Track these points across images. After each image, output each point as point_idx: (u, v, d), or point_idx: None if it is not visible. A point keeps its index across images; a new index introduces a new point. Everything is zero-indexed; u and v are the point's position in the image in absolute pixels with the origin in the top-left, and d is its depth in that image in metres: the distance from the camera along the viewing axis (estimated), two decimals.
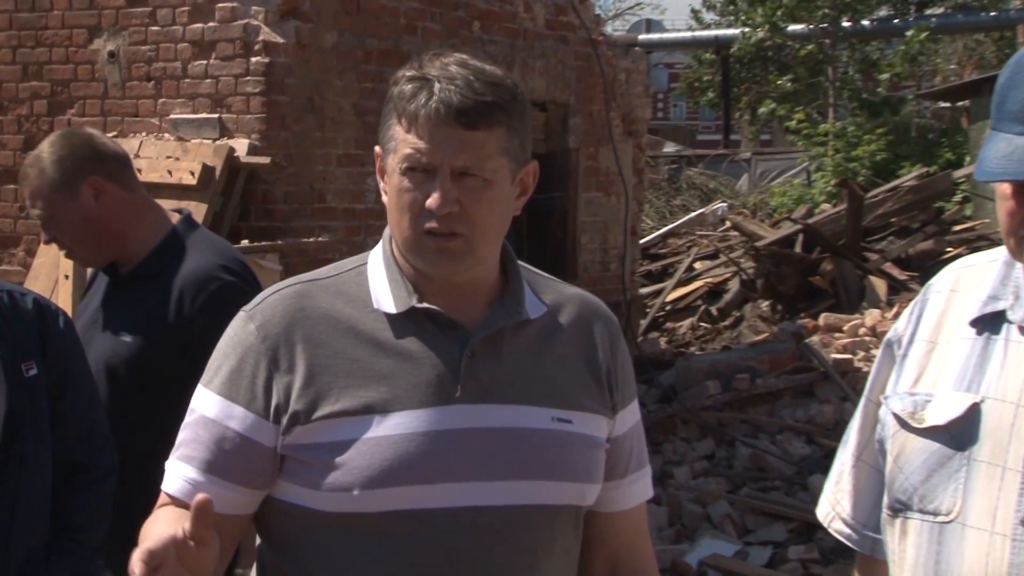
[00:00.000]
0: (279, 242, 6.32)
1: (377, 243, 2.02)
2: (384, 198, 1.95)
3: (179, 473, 1.94)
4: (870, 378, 1.93)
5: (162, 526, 1.84)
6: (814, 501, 7.75)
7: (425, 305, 1.92)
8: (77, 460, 2.87)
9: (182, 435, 1.96)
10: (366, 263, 2.00)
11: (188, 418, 1.96)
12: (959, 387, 1.76)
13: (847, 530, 1.94)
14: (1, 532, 2.71)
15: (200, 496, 1.68)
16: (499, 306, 1.96)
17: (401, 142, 1.87)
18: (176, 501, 1.94)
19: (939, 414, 1.76)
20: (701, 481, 7.76)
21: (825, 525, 1.97)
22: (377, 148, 1.96)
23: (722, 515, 7.21)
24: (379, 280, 1.96)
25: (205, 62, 6.75)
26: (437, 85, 1.85)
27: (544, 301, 2.02)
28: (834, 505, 1.97)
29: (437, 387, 1.89)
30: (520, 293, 1.98)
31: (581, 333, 2.03)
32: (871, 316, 9.70)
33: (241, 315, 1.97)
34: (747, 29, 21.62)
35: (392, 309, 1.93)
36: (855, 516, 1.94)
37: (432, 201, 1.85)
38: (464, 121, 1.85)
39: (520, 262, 2.04)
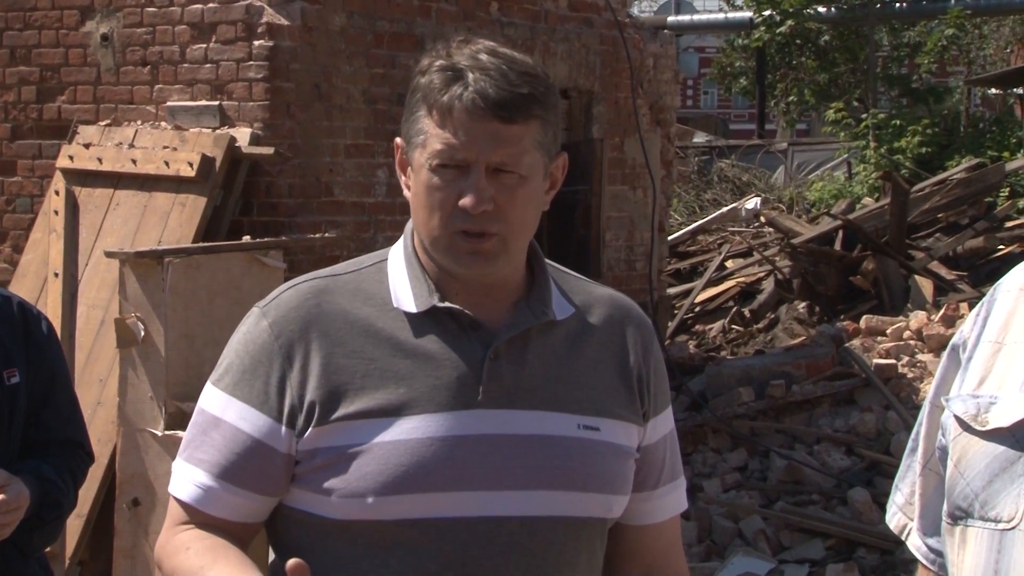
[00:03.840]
0: (283, 238, 6.35)
1: (391, 238, 2.06)
2: (406, 193, 1.98)
3: (189, 477, 1.97)
4: (934, 382, 1.95)
5: (211, 567, 1.89)
6: (854, 516, 7.78)
7: (447, 304, 1.95)
8: (69, 441, 2.97)
9: (190, 434, 1.99)
10: (386, 259, 2.03)
11: (196, 416, 1.99)
12: None
13: (919, 542, 1.96)
14: None
15: (293, 562, 1.73)
16: (524, 306, 1.99)
17: (431, 136, 1.89)
18: (189, 509, 1.97)
19: (1004, 416, 1.77)
20: (733, 495, 7.78)
21: (901, 538, 1.98)
22: (399, 140, 1.98)
23: (755, 531, 7.23)
24: (400, 278, 1.99)
25: (205, 46, 6.79)
26: (471, 75, 1.88)
27: (572, 302, 2.04)
28: (911, 515, 1.97)
29: (457, 390, 1.92)
30: (547, 293, 2.01)
31: (611, 336, 2.05)
32: (916, 318, 9.70)
33: (255, 311, 2.00)
34: (768, 13, 21.56)
35: (412, 308, 1.96)
36: (923, 527, 1.95)
37: (467, 200, 1.88)
38: (501, 115, 1.88)
39: (548, 260, 2.06)
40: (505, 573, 1.91)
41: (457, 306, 1.95)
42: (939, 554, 1.92)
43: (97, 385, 6.20)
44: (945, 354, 1.94)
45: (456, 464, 1.89)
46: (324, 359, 1.92)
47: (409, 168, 1.96)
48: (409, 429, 1.89)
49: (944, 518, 1.85)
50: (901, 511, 1.99)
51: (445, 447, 1.89)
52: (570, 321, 2.02)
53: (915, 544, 1.96)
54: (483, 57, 1.90)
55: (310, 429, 1.91)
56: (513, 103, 1.88)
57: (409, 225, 2.02)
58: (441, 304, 1.95)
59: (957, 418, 1.82)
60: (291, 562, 1.74)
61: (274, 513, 1.99)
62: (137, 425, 5.53)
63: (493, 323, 1.96)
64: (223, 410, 1.95)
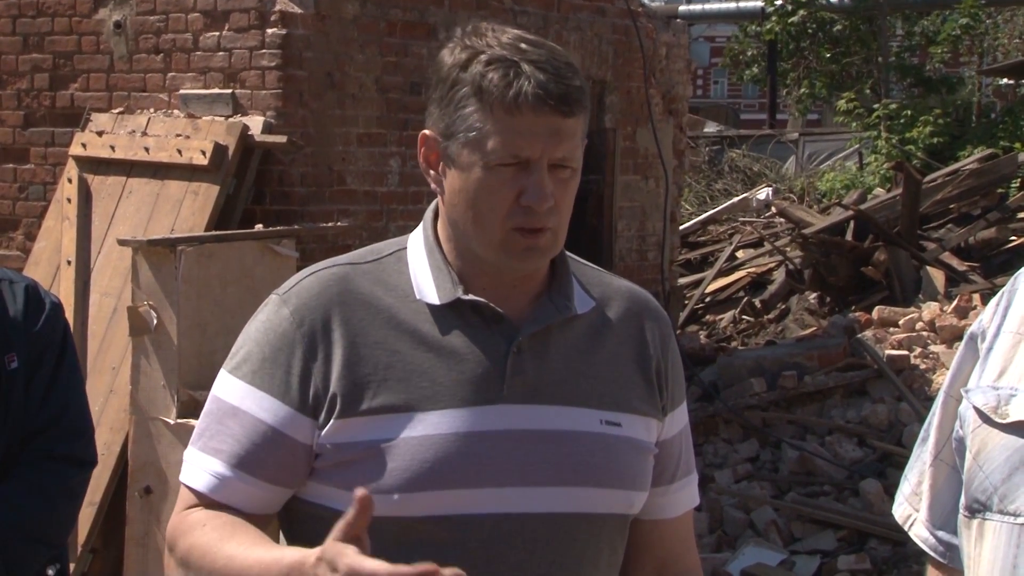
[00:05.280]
0: (295, 227, 6.34)
1: (403, 227, 2.03)
2: (435, 188, 1.95)
3: (204, 466, 1.93)
4: (950, 372, 1.92)
5: (230, 539, 1.83)
6: (866, 507, 7.74)
7: (471, 297, 1.92)
8: (37, 452, 2.81)
9: (203, 423, 1.95)
10: (405, 248, 1.99)
11: (211, 405, 1.95)
12: None
13: (925, 533, 1.94)
14: None
15: (361, 492, 1.65)
16: (547, 300, 1.97)
17: (490, 133, 1.85)
18: (203, 498, 1.93)
19: None
20: (744, 485, 7.77)
21: (904, 528, 1.97)
22: (428, 133, 1.94)
23: (767, 522, 7.22)
24: (421, 269, 1.95)
25: (218, 33, 6.78)
26: (527, 68, 1.85)
27: (592, 295, 2.02)
28: (916, 506, 1.96)
29: (481, 385, 1.89)
30: (568, 286, 1.99)
31: (631, 330, 2.03)
32: (929, 309, 9.67)
33: (273, 298, 1.96)
34: (780, 2, 21.51)
35: (435, 300, 1.93)
36: (931, 519, 1.93)
37: (534, 198, 1.85)
38: (563, 109, 1.85)
39: (566, 252, 2.04)
40: (529, 569, 1.90)
41: (482, 299, 1.92)
42: (948, 546, 1.90)
43: (109, 373, 6.20)
44: (962, 343, 1.92)
45: (481, 460, 1.87)
46: (347, 349, 1.89)
47: (444, 164, 1.92)
48: (434, 424, 1.87)
49: (961, 511, 1.83)
50: (907, 501, 1.97)
51: (470, 443, 1.87)
52: (590, 315, 2.00)
53: (920, 535, 1.94)
54: (524, 47, 1.87)
55: (332, 421, 1.87)
56: (572, 97, 1.86)
57: (428, 215, 1.99)
58: (465, 296, 1.92)
59: (977, 410, 1.80)
60: (360, 492, 1.65)
61: (292, 508, 1.96)
62: (149, 413, 5.53)
63: (515, 316, 1.94)
64: (241, 399, 1.91)
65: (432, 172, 1.95)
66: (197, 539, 1.88)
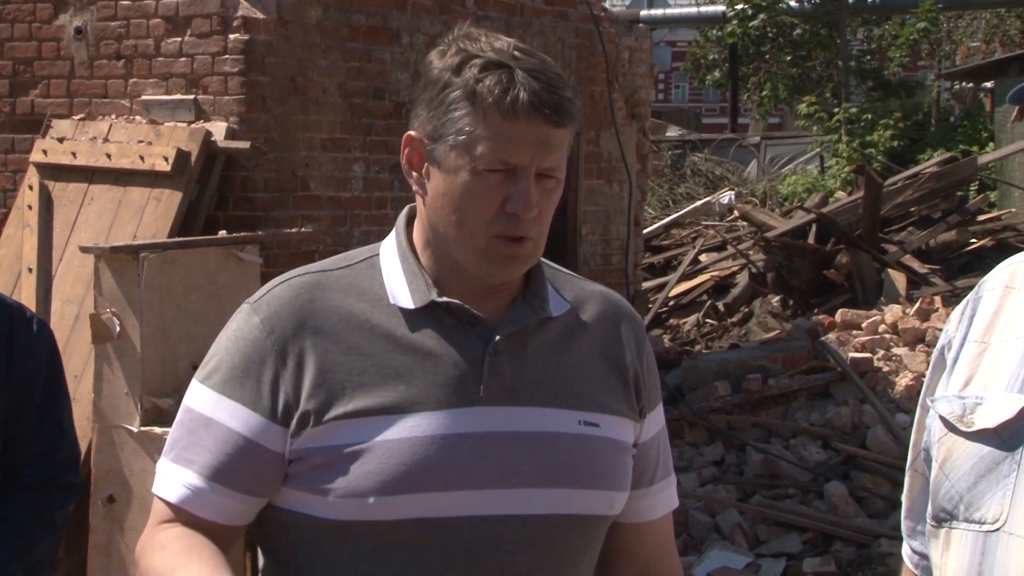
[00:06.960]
0: (259, 233, 6.30)
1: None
2: (416, 189, 1.93)
3: (178, 478, 1.91)
4: (924, 385, 1.92)
5: (184, 566, 1.82)
6: (830, 509, 7.79)
7: (446, 299, 1.91)
8: (39, 477, 2.80)
9: (176, 434, 1.93)
10: (378, 255, 1.98)
11: (183, 416, 1.93)
12: (1012, 388, 1.74)
13: (905, 546, 1.94)
14: None
15: None
16: (522, 302, 1.96)
17: (481, 137, 1.84)
18: (176, 510, 1.91)
19: (990, 417, 1.74)
20: (710, 489, 7.78)
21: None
22: (414, 134, 1.92)
23: (732, 525, 7.23)
24: (394, 274, 1.94)
25: (179, 39, 6.73)
26: (521, 75, 1.84)
27: (565, 298, 2.01)
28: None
29: (459, 387, 1.88)
30: (543, 289, 1.98)
31: (606, 332, 2.02)
32: (891, 312, 9.71)
33: (245, 307, 1.94)
34: (742, 6, 21.63)
35: (409, 304, 1.91)
36: (907, 529, 1.93)
37: (520, 206, 1.85)
38: (556, 119, 1.85)
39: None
40: (509, 572, 1.88)
41: (456, 301, 1.91)
42: (923, 556, 1.89)
43: (72, 381, 6.11)
44: (933, 357, 1.92)
45: (459, 462, 1.86)
46: (319, 356, 1.87)
47: (429, 165, 1.90)
48: (411, 427, 1.85)
49: (929, 521, 1.82)
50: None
51: (448, 445, 1.86)
52: (565, 317, 1.99)
53: (904, 550, 1.94)
54: (518, 55, 1.87)
55: (306, 429, 1.86)
56: (564, 107, 1.86)
57: (401, 220, 1.98)
58: (440, 299, 1.91)
59: (942, 419, 1.80)
60: None
61: (264, 516, 1.94)
62: (112, 421, 5.48)
63: (492, 319, 1.93)
64: (213, 409, 1.89)
65: (415, 174, 1.93)
66: (154, 562, 1.87)
